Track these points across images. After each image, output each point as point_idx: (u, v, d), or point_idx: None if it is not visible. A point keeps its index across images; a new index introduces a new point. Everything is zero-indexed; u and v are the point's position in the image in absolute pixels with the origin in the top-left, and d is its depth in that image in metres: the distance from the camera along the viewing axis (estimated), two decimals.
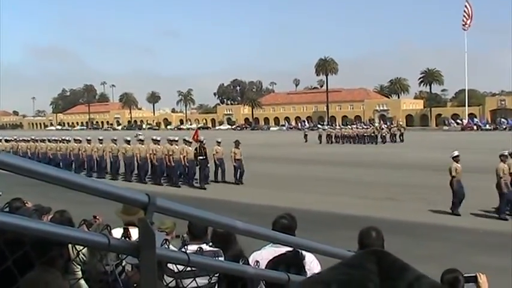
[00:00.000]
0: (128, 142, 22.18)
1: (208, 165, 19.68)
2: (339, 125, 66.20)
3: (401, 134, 49.54)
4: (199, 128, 24.96)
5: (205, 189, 18.64)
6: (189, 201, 13.68)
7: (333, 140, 50.23)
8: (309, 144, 47.72)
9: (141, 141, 21.58)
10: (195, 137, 19.82)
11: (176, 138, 20.61)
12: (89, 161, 23.79)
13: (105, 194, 1.37)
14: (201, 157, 19.23)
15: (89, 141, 24.15)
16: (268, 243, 3.77)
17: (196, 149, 19.52)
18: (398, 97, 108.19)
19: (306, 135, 52.90)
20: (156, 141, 20.96)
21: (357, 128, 54.56)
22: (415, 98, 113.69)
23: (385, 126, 58.81)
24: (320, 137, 50.30)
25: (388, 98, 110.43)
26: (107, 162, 23.36)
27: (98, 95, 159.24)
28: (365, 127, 56.25)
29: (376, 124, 63.02)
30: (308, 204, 14.26)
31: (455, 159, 13.62)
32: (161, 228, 4.52)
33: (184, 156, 19.45)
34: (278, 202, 14.12)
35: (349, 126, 58.56)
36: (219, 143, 20.45)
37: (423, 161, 27.14)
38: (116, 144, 22.93)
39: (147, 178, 21.14)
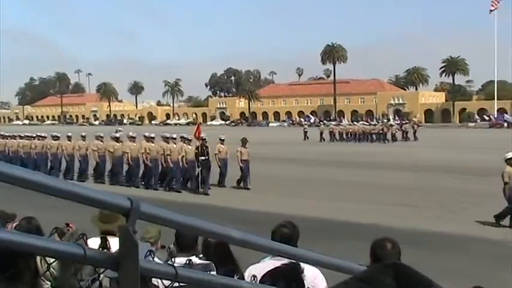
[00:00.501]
0: (117, 139, 21.90)
1: (211, 166, 19.31)
2: (348, 121, 66.18)
3: (415, 132, 49.61)
4: (200, 124, 24.56)
5: (208, 194, 18.40)
6: (179, 207, 13.68)
7: (337, 137, 50.38)
8: (309, 142, 47.87)
9: (133, 138, 21.23)
10: (197, 133, 19.53)
11: (174, 136, 20.21)
12: (69, 161, 23.37)
13: (82, 199, 1.36)
14: (203, 157, 18.91)
15: (69, 138, 23.79)
16: (268, 256, 3.77)
17: (197, 148, 19.15)
18: (416, 89, 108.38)
19: (305, 132, 52.47)
20: (149, 139, 20.65)
21: (364, 124, 54.52)
22: (436, 90, 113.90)
23: (396, 122, 58.81)
24: (322, 134, 50.27)
25: (405, 90, 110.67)
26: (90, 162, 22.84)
27: (71, 85, 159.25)
28: (372, 123, 56.31)
29: (390, 121, 62.85)
30: (311, 211, 14.28)
31: (509, 162, 12.83)
32: (145, 238, 4.53)
33: (183, 157, 19.14)
34: (278, 208, 14.17)
35: (354, 122, 58.64)
36: (222, 140, 20.28)
37: (440, 162, 27.29)
38: (102, 141, 22.45)
39: (122, 180, 20.92)
